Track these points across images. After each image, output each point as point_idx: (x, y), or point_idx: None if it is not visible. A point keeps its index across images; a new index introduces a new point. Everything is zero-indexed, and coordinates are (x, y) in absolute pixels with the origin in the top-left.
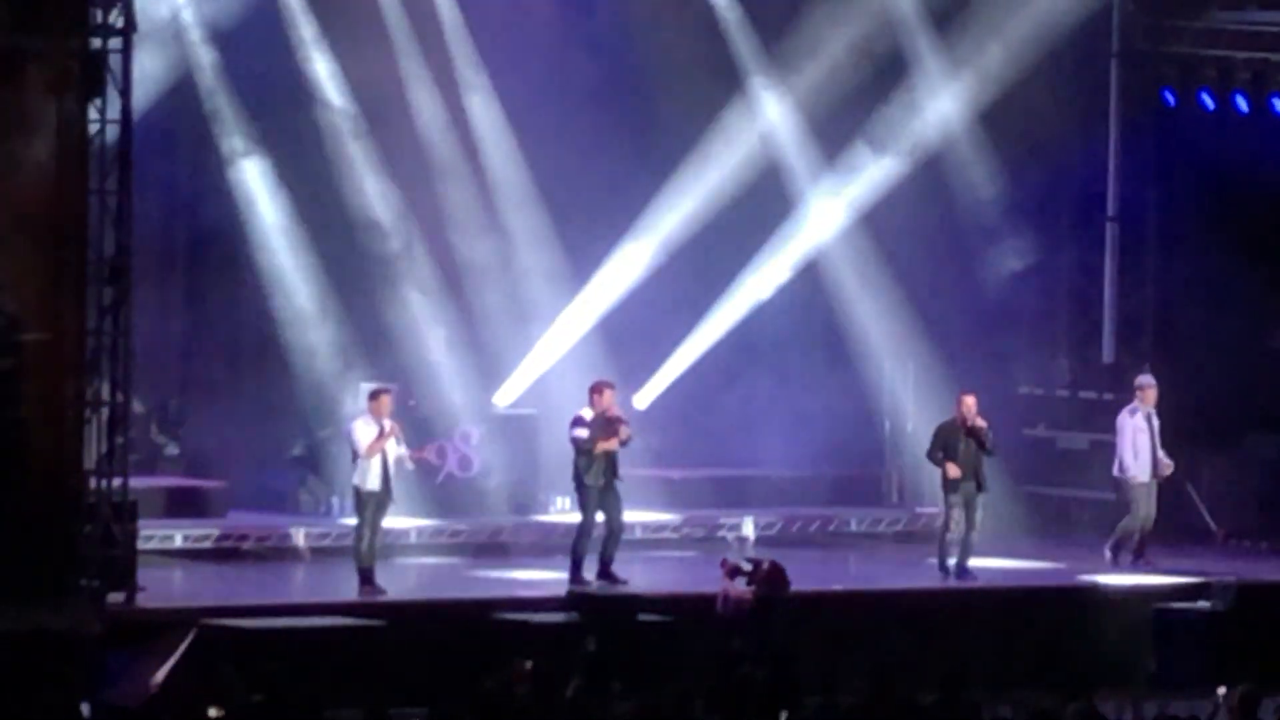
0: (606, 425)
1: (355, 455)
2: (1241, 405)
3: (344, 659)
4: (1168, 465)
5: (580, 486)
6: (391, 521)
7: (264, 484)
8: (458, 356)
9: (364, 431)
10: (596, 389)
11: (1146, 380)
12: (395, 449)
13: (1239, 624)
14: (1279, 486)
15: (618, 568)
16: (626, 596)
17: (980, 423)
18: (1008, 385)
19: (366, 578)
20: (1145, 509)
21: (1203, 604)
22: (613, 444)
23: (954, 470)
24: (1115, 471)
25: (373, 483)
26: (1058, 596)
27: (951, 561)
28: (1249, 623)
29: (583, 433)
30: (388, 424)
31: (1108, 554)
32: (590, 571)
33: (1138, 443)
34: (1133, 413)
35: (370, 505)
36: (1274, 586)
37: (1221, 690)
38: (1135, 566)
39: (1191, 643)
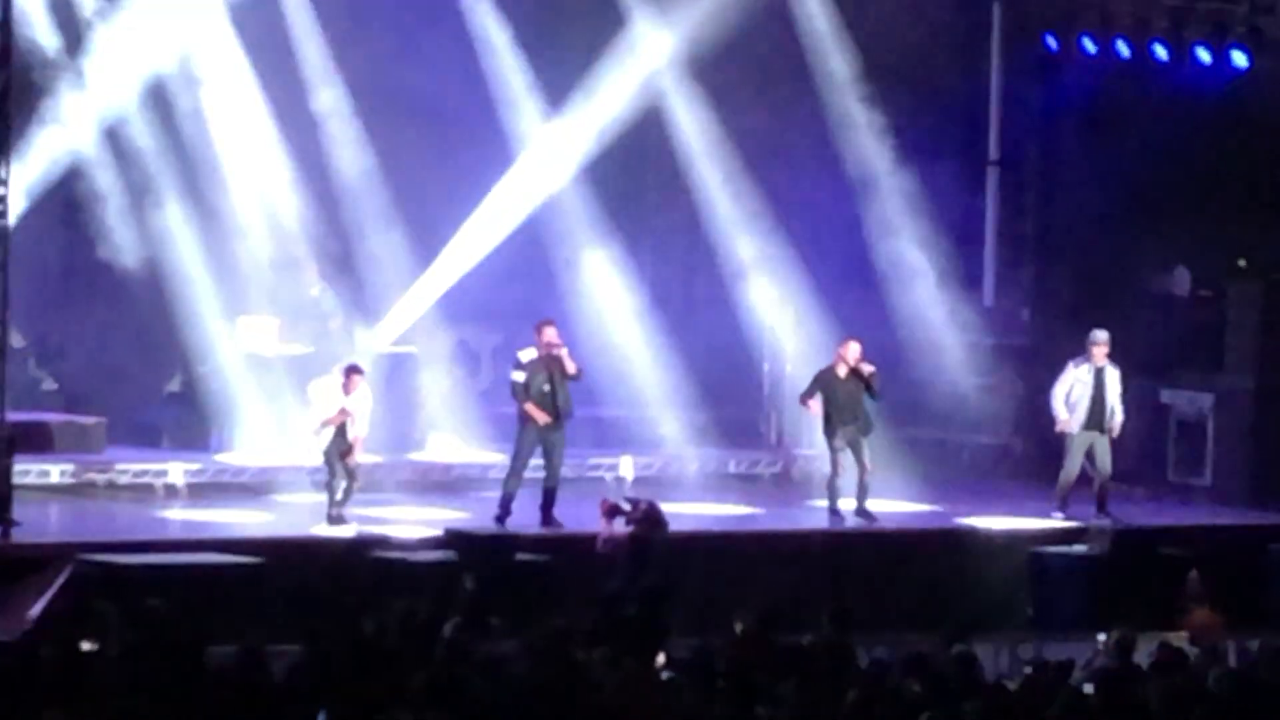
0: (549, 362)
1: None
2: (1120, 351)
3: (221, 596)
4: (1117, 420)
5: (521, 426)
6: (270, 459)
7: (142, 419)
8: (338, 293)
9: (321, 404)
10: (537, 328)
11: (1096, 335)
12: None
13: (1115, 569)
14: (1155, 433)
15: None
16: (505, 535)
17: (867, 368)
18: (888, 329)
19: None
20: (1078, 460)
21: (1079, 548)
22: (541, 417)
23: (815, 407)
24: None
25: (322, 442)
26: (936, 539)
27: (841, 504)
28: (1125, 567)
29: (519, 375)
30: (350, 403)
31: (1055, 513)
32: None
33: (1073, 394)
34: (1076, 364)
35: (332, 458)
36: (1149, 531)
37: (1101, 636)
38: (1096, 518)
39: (1068, 587)
